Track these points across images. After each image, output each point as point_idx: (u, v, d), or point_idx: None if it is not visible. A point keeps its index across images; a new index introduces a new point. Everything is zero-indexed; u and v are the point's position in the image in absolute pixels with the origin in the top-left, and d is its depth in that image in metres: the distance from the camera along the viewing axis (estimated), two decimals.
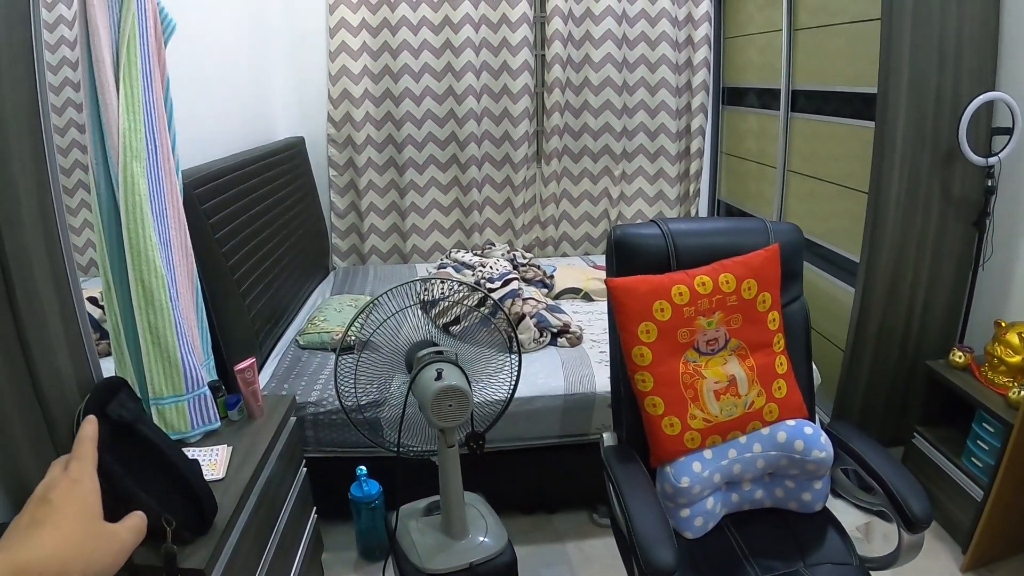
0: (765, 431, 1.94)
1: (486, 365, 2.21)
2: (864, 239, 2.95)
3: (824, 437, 1.92)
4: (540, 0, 4.21)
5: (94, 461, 0.74)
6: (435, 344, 2.12)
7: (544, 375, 2.77)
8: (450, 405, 1.87)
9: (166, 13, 2.11)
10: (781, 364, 1.97)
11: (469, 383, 1.98)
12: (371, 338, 2.10)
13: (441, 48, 4.09)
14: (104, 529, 0.69)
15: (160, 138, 2.04)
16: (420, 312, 2.16)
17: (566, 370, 2.81)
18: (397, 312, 2.08)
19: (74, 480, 0.69)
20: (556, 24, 4.08)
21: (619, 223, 4.47)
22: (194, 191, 2.46)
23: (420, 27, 4.03)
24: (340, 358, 2.13)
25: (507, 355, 2.24)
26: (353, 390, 2.13)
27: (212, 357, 2.35)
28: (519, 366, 2.23)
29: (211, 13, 3.12)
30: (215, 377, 2.30)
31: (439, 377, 1.87)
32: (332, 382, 2.56)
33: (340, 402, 2.14)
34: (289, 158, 3.80)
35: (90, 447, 0.74)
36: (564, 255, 4.60)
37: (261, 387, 2.50)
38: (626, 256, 1.93)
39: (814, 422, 2.03)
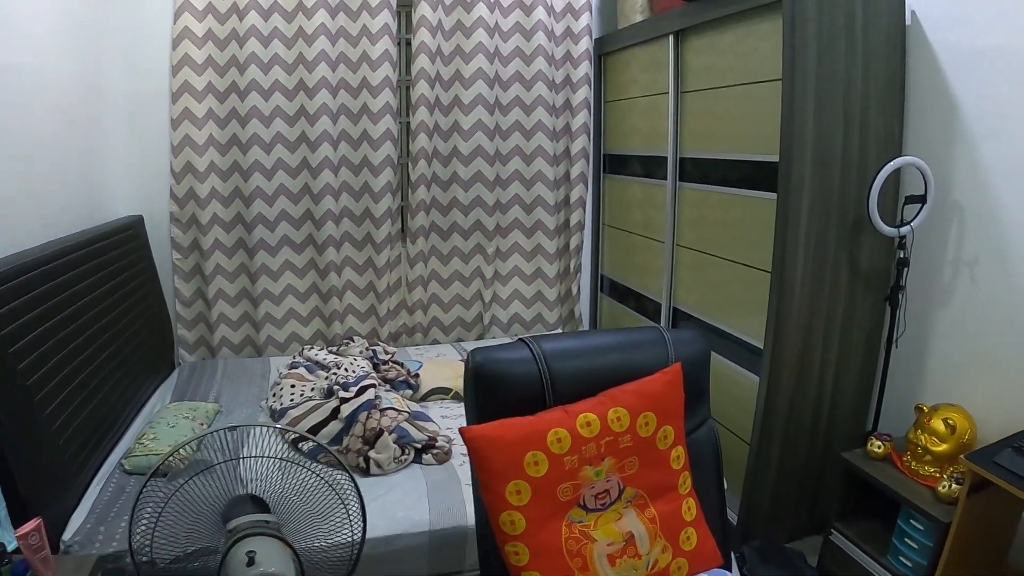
0: None
1: (322, 520, 1.76)
2: (768, 324, 2.71)
3: None
4: (405, 63, 3.88)
5: None
6: (257, 499, 1.67)
7: (406, 505, 2.33)
8: None
9: None
10: (689, 509, 1.59)
11: (297, 555, 1.52)
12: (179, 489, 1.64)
13: (295, 115, 3.69)
14: None
15: None
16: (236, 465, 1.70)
17: (432, 497, 2.37)
18: (198, 475, 1.61)
19: None
20: (422, 88, 3.73)
21: (492, 308, 4.18)
22: None
23: (272, 92, 3.62)
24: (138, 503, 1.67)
25: (350, 499, 1.79)
26: (149, 546, 1.66)
27: (3, 505, 1.89)
28: (364, 519, 1.78)
29: (32, 75, 2.69)
30: (10, 533, 1.82)
31: (251, 563, 1.41)
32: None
33: (133, 560, 1.67)
34: (124, 241, 3.32)
35: None
36: (435, 342, 4.21)
37: (78, 527, 2.15)
38: (488, 390, 1.52)
39: (731, 569, 1.67)
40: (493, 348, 1.56)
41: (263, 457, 1.72)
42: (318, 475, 1.71)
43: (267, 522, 1.62)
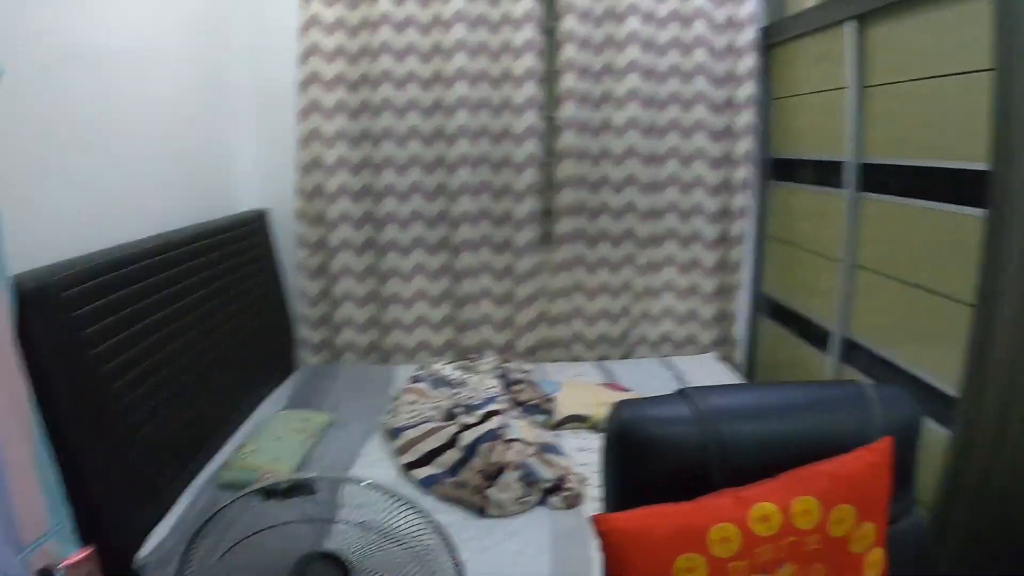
0: None
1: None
2: (967, 369, 2.23)
3: None
4: (551, 53, 3.57)
5: None
6: (335, 559, 1.40)
7: (526, 558, 1.99)
8: None
9: None
10: None
11: None
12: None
13: (431, 107, 3.46)
14: None
15: None
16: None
17: (557, 551, 2.02)
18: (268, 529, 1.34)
19: None
20: (569, 80, 3.42)
21: (640, 325, 3.79)
22: (61, 293, 1.85)
23: (406, 83, 3.41)
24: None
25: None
26: None
27: (67, 517, 1.66)
28: None
29: (160, 68, 2.73)
30: (71, 548, 1.60)
31: None
32: None
33: None
34: (244, 235, 3.23)
35: None
36: (576, 359, 3.82)
37: (157, 544, 2.03)
38: (636, 459, 1.16)
39: None
40: (645, 403, 1.21)
41: (338, 522, 1.43)
42: (408, 548, 1.40)
43: None
